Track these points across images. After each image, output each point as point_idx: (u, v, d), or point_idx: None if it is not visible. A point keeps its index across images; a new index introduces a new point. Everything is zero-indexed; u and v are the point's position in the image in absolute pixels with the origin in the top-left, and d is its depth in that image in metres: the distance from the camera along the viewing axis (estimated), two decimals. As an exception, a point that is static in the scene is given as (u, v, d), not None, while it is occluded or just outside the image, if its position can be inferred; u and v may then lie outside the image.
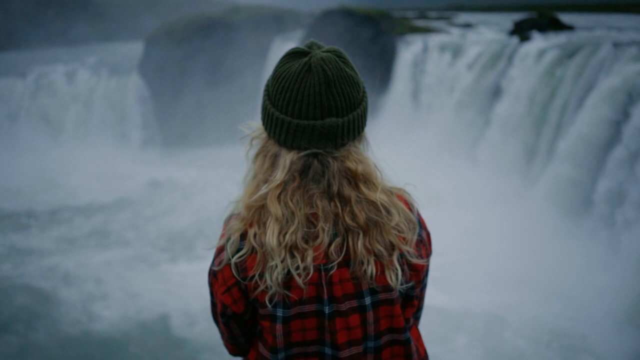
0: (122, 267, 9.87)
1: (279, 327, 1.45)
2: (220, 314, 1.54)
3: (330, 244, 1.40)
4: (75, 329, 8.07)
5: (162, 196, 13.39)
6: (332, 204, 1.42)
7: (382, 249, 1.41)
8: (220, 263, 1.47)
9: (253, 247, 1.42)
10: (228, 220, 1.51)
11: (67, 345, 7.73)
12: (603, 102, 9.19)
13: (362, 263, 1.40)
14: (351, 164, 1.44)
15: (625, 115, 8.83)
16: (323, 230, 1.39)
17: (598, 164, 8.97)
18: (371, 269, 1.40)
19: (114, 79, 17.69)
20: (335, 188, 1.42)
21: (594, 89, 9.67)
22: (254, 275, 1.41)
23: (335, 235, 1.41)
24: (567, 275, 8.01)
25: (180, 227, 11.46)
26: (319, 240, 1.39)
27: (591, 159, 9.13)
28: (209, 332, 7.52)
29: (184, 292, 8.79)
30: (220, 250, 1.49)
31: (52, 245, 10.93)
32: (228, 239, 1.46)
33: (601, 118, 9.14)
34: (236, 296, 1.48)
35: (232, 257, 1.44)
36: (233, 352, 1.67)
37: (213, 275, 1.51)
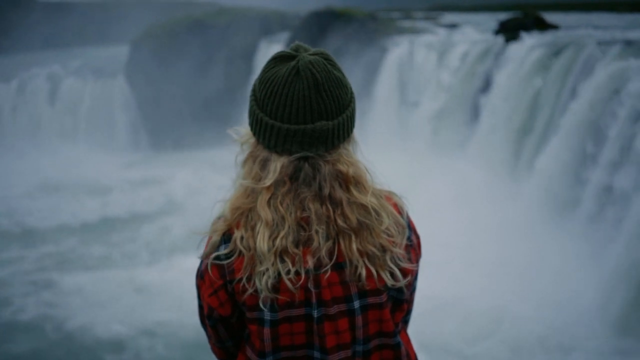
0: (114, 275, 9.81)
1: (266, 330, 1.43)
2: (207, 316, 1.53)
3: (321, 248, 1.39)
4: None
5: (148, 198, 13.32)
6: (324, 207, 1.41)
7: (375, 250, 1.40)
8: (207, 265, 1.45)
9: (240, 250, 1.40)
10: (215, 223, 1.49)
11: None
12: (589, 101, 9.24)
13: (356, 266, 1.39)
14: (342, 167, 1.43)
15: (611, 113, 8.88)
16: (317, 232, 1.38)
17: (586, 162, 9.02)
18: (364, 271, 1.39)
19: (99, 83, 17.60)
20: (326, 191, 1.41)
21: (579, 88, 9.72)
22: (241, 278, 1.40)
23: (326, 239, 1.39)
24: (557, 274, 8.04)
25: (167, 231, 11.40)
26: (313, 244, 1.38)
27: (579, 157, 9.18)
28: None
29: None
30: (206, 252, 1.47)
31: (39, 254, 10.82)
32: (214, 241, 1.44)
33: (588, 116, 9.19)
34: (223, 299, 1.46)
35: (219, 259, 1.43)
36: (221, 357, 1.65)
37: (200, 277, 1.50)
